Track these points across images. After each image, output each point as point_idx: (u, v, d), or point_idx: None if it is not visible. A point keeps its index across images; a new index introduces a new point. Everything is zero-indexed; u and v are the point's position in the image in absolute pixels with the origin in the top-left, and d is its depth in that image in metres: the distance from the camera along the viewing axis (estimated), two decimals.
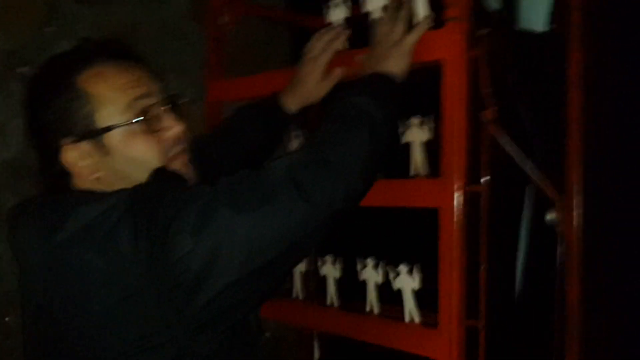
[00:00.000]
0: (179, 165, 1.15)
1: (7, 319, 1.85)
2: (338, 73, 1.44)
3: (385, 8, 1.37)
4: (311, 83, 1.47)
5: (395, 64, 1.26)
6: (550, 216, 1.47)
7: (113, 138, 1.10)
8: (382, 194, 1.35)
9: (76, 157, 1.09)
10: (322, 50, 1.47)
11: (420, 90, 1.36)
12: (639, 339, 1.47)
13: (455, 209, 1.22)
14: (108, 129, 1.09)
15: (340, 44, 1.48)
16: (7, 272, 1.84)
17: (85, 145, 1.09)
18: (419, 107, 1.36)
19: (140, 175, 1.09)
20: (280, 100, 1.50)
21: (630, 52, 1.49)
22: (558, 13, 1.58)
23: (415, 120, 1.33)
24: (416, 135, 1.33)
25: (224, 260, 0.98)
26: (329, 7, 1.54)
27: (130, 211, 1.01)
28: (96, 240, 1.01)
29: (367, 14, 1.44)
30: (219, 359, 1.07)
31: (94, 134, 1.09)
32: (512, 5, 1.71)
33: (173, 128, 1.13)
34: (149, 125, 1.10)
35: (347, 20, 1.52)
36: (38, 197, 1.18)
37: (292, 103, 1.50)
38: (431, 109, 1.32)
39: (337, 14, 1.52)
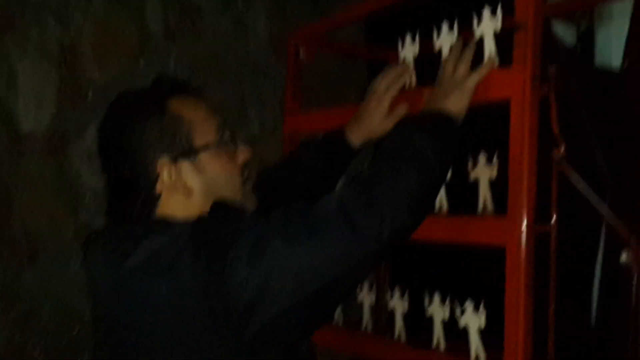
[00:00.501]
0: (249, 187, 1.23)
1: None
2: (402, 110, 1.44)
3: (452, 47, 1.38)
4: (376, 119, 1.48)
5: (455, 103, 1.27)
6: (624, 256, 1.43)
7: (206, 157, 1.18)
8: (450, 230, 1.36)
9: (175, 174, 1.16)
10: (387, 87, 1.49)
11: (489, 128, 1.36)
12: None
13: (522, 248, 1.21)
14: (205, 148, 1.17)
15: (405, 81, 1.49)
16: None
17: (183, 163, 1.16)
18: (487, 144, 1.35)
19: (226, 192, 1.19)
20: (345, 134, 1.53)
21: None
22: (632, 49, 1.56)
23: (483, 157, 1.33)
24: (483, 172, 1.33)
25: (276, 288, 1.03)
26: (401, 44, 1.56)
27: (192, 240, 1.07)
28: (161, 267, 1.07)
29: (439, 52, 1.46)
30: None
31: (193, 152, 1.17)
32: (588, 41, 1.69)
33: (245, 152, 1.23)
34: (230, 148, 1.20)
35: (418, 57, 1.53)
36: (112, 226, 1.23)
37: (357, 138, 1.52)
38: (500, 147, 1.32)
39: (409, 51, 1.54)
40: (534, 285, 1.27)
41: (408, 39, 1.54)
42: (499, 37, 1.32)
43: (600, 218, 1.45)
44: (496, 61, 1.30)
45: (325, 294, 1.07)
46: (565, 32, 1.70)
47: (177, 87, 1.24)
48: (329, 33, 2.16)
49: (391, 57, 2.28)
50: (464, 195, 1.38)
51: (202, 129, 1.18)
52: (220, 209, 1.16)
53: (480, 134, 1.42)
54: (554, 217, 1.34)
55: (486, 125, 1.38)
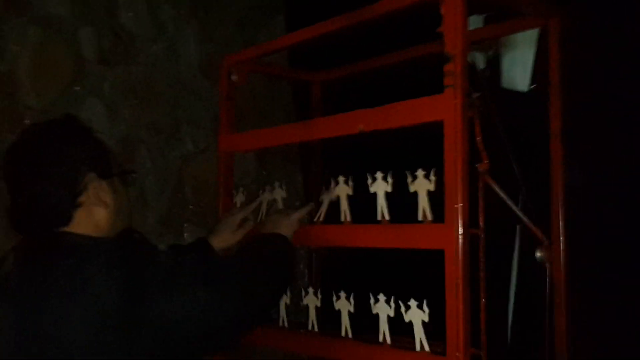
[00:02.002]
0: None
1: None
2: (249, 225, 1.88)
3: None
4: (229, 231, 1.86)
5: (288, 232, 1.67)
6: (538, 254, 1.61)
7: (117, 181, 1.41)
8: (394, 237, 1.48)
9: (98, 190, 1.34)
10: (239, 211, 1.91)
11: (423, 147, 1.51)
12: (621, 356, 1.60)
13: (459, 250, 1.35)
14: (120, 173, 1.43)
15: (251, 208, 1.93)
16: None
17: (103, 183, 1.36)
18: (423, 160, 1.49)
19: (123, 216, 1.42)
20: (210, 240, 1.85)
21: (605, 106, 1.65)
22: (538, 74, 1.75)
23: (421, 173, 1.47)
24: (422, 185, 1.47)
25: (180, 320, 1.24)
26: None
27: (112, 266, 1.23)
28: (76, 289, 1.20)
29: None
30: None
31: (111, 174, 1.39)
32: (495, 65, 1.88)
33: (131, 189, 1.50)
34: (128, 181, 1.47)
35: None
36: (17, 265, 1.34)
37: (217, 244, 1.84)
38: (434, 163, 1.46)
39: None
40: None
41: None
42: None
43: (516, 221, 1.61)
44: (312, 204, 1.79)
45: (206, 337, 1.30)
46: (475, 58, 1.88)
47: (88, 126, 1.43)
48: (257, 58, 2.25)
49: (312, 78, 2.41)
50: (402, 206, 1.52)
51: (115, 161, 1.43)
52: (127, 234, 1.41)
53: (417, 153, 1.56)
54: (482, 222, 1.50)
55: (421, 145, 1.52)
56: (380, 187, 1.56)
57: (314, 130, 1.76)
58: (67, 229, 1.32)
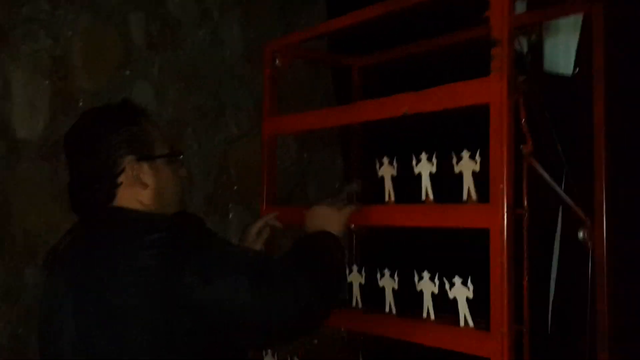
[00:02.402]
0: (183, 195, 1.57)
1: None
2: (266, 233, 1.90)
3: None
4: (249, 241, 1.88)
5: (336, 229, 1.63)
6: (581, 234, 1.62)
7: (161, 163, 1.48)
8: (439, 216, 1.51)
9: (137, 171, 1.43)
10: (260, 220, 1.93)
11: (469, 129, 1.53)
12: None
13: (504, 229, 1.38)
14: (162, 156, 1.49)
15: (269, 218, 1.93)
16: None
17: (144, 165, 1.44)
18: (461, 143, 1.52)
19: (169, 196, 1.49)
20: None
21: None
22: (582, 57, 1.75)
23: (466, 153, 1.49)
24: (468, 166, 1.49)
25: (218, 310, 1.27)
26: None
27: (161, 242, 1.29)
28: (128, 263, 1.28)
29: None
30: None
31: (153, 157, 1.46)
32: (538, 49, 1.89)
33: (184, 171, 1.57)
34: (177, 164, 1.53)
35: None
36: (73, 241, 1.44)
37: None
38: (480, 144, 1.48)
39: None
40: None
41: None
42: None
43: (558, 202, 1.63)
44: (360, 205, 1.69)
45: (252, 334, 1.35)
46: (518, 42, 1.89)
47: (141, 109, 1.54)
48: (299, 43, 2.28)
49: (352, 63, 2.44)
50: (446, 187, 1.54)
51: (161, 143, 1.50)
52: (186, 216, 1.48)
53: (455, 136, 1.59)
54: (526, 202, 1.52)
55: (459, 128, 1.55)
56: (425, 167, 1.59)
57: (359, 113, 1.79)
58: (114, 205, 1.43)
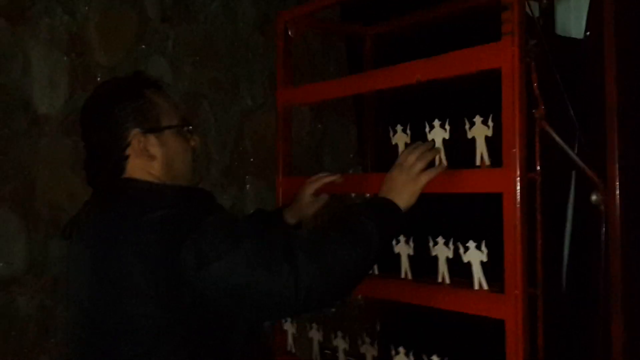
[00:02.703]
0: (196, 165, 1.57)
1: None
2: (324, 198, 1.84)
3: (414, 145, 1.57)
4: (303, 203, 1.84)
5: (404, 200, 1.50)
6: (594, 197, 1.63)
7: (169, 135, 1.49)
8: (452, 182, 1.53)
9: (144, 143, 1.45)
10: (317, 179, 1.84)
11: (480, 94, 1.53)
12: None
13: (517, 193, 1.39)
14: (169, 127, 1.49)
15: (329, 180, 1.82)
16: None
17: (151, 137, 1.46)
18: (482, 107, 1.52)
19: (179, 166, 1.50)
20: (284, 215, 1.86)
21: None
22: (593, 21, 1.74)
23: (479, 119, 1.50)
24: (480, 131, 1.50)
25: (217, 287, 1.29)
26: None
27: (164, 215, 1.31)
28: (129, 236, 1.31)
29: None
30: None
31: (160, 129, 1.47)
32: (549, 13, 1.87)
33: (196, 140, 1.56)
34: (188, 134, 1.53)
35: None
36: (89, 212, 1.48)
37: (291, 217, 1.86)
38: (493, 109, 1.49)
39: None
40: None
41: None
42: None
43: (572, 165, 1.63)
44: (444, 165, 1.51)
45: (249, 310, 1.34)
46: (529, 6, 1.87)
47: (151, 82, 1.54)
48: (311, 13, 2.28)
49: (365, 32, 2.44)
50: (460, 153, 1.55)
51: (169, 114, 1.51)
52: (195, 191, 1.46)
53: (469, 102, 1.59)
54: (538, 166, 1.53)
55: (480, 93, 1.55)
56: (438, 134, 1.60)
57: (373, 82, 1.80)
58: (126, 176, 1.46)
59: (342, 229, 1.43)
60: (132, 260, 1.30)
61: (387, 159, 1.74)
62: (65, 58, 2.02)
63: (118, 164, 1.45)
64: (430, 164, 1.55)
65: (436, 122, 1.58)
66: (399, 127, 1.70)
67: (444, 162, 1.52)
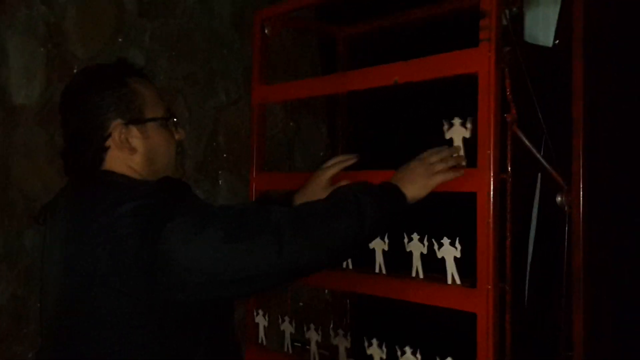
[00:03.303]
0: (178, 159, 1.57)
1: None
2: (340, 184, 1.68)
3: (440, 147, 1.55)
4: (317, 188, 1.72)
5: (414, 190, 1.49)
6: (559, 199, 1.70)
7: (152, 127, 1.44)
8: None
9: (124, 134, 1.40)
10: (333, 164, 1.75)
11: (457, 98, 1.59)
12: (632, 297, 1.71)
13: (491, 193, 1.45)
14: (153, 119, 1.44)
15: (346, 164, 1.74)
16: None
17: (132, 128, 1.41)
18: (459, 110, 1.57)
19: (161, 160, 1.46)
20: (294, 200, 1.75)
21: (626, 63, 1.72)
22: (562, 30, 1.81)
23: (457, 121, 1.54)
24: (458, 132, 1.55)
25: (198, 268, 1.25)
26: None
27: (137, 205, 1.26)
28: (103, 224, 1.27)
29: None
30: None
31: (143, 120, 1.42)
32: (518, 21, 1.94)
33: (181, 134, 1.53)
34: (171, 127, 1.49)
35: None
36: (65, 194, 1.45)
37: (299, 200, 1.73)
38: (469, 112, 1.54)
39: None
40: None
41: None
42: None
43: (537, 167, 1.70)
44: (462, 172, 1.50)
45: (235, 286, 1.30)
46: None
47: (135, 70, 1.49)
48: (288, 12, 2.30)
49: (339, 33, 2.47)
50: None
51: (153, 105, 1.45)
52: (170, 182, 1.38)
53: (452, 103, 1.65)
54: (509, 167, 1.59)
55: (455, 96, 1.61)
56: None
57: (350, 82, 1.83)
58: (105, 168, 1.41)
59: (333, 202, 1.43)
60: (102, 255, 1.25)
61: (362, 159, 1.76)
62: (41, 49, 1.99)
63: (97, 155, 1.39)
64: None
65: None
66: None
67: (463, 163, 1.51)
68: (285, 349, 1.99)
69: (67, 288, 1.33)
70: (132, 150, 1.41)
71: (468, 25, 1.58)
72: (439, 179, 1.50)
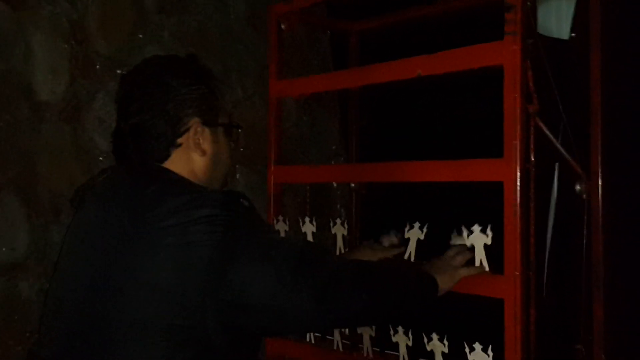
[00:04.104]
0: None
1: None
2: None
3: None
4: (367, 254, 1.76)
5: (444, 281, 1.52)
6: (578, 187, 1.73)
7: (221, 132, 1.40)
8: (459, 171, 1.60)
9: (199, 135, 1.34)
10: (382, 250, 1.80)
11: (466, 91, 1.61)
12: None
13: (517, 181, 1.48)
14: (224, 125, 1.39)
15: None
16: None
17: (207, 130, 1.35)
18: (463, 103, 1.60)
19: (221, 168, 1.41)
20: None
21: None
22: (578, 22, 1.84)
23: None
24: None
25: (251, 298, 1.19)
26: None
27: (215, 218, 1.18)
28: (175, 228, 1.17)
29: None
30: None
31: (217, 124, 1.38)
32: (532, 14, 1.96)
33: (240, 142, 1.54)
34: (234, 135, 1.46)
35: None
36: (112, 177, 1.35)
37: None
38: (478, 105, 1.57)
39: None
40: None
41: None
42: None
43: (556, 157, 1.73)
44: (486, 269, 1.55)
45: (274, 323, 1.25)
46: None
47: (208, 70, 1.44)
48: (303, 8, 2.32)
49: (351, 28, 2.49)
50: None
51: (224, 111, 1.42)
52: (237, 195, 1.28)
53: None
54: (533, 157, 1.62)
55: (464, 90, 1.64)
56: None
57: (371, 76, 1.86)
58: (164, 165, 1.32)
59: (389, 269, 1.50)
60: (167, 264, 1.17)
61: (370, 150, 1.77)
62: (65, 46, 2.01)
63: (165, 150, 1.31)
64: None
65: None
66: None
67: (486, 265, 1.56)
68: (307, 339, 2.02)
69: (102, 285, 1.21)
70: (203, 152, 1.34)
71: (480, 20, 1.60)
72: (461, 273, 1.54)
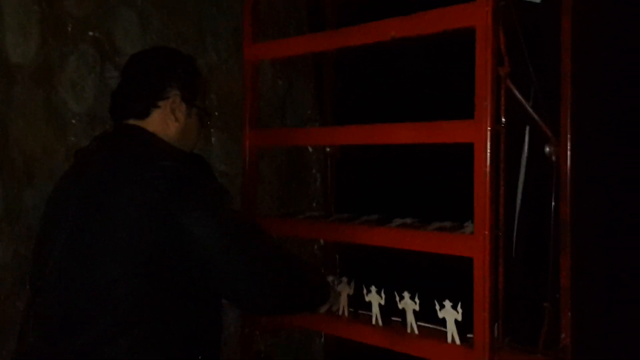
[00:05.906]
0: None
1: None
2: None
3: None
4: None
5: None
6: (547, 149, 1.74)
7: (195, 112, 1.64)
8: (429, 132, 1.60)
9: (176, 105, 1.58)
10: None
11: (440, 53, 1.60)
12: (619, 242, 1.77)
13: (487, 143, 1.48)
14: (198, 107, 1.64)
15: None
16: None
17: (183, 105, 1.60)
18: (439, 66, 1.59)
19: (188, 141, 1.63)
20: None
21: (613, 18, 1.75)
22: None
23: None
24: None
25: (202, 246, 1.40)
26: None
27: (175, 174, 1.41)
28: (136, 181, 1.40)
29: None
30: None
31: (193, 103, 1.62)
32: None
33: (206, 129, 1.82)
34: (205, 119, 1.70)
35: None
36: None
37: None
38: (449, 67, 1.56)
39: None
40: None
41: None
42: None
43: (526, 119, 1.73)
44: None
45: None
46: None
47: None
48: None
49: None
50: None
51: (202, 95, 1.68)
52: (201, 159, 1.63)
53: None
54: (503, 118, 1.62)
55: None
56: None
57: (346, 38, 1.84)
58: (142, 124, 1.55)
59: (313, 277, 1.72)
60: (131, 204, 1.39)
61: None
62: (36, 7, 1.95)
63: (147, 107, 1.55)
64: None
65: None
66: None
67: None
68: None
69: (84, 225, 1.42)
70: (176, 119, 1.58)
71: None
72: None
